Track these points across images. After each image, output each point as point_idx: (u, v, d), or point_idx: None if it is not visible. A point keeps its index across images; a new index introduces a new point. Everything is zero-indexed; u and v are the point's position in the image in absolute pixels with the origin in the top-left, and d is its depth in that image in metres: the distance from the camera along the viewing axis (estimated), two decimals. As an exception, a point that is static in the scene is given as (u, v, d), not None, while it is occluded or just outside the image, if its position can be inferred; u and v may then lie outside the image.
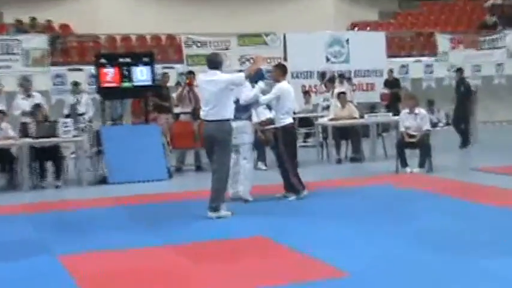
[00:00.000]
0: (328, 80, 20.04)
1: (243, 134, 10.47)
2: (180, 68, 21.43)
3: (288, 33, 22.50)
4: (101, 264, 6.94)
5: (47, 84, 20.59)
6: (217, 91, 9.21)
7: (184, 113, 15.65)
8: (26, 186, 13.00)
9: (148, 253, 7.37)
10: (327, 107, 17.79)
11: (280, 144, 10.61)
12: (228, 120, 9.30)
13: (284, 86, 10.74)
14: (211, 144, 9.30)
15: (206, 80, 9.42)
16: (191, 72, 16.56)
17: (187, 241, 7.85)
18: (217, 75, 9.32)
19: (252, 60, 19.09)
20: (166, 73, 17.18)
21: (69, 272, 6.63)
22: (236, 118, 9.73)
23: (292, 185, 10.64)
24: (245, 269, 6.57)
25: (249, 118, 10.68)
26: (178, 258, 7.15)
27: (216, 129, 9.20)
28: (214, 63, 9.46)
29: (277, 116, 10.69)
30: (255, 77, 10.39)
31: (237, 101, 9.88)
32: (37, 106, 14.17)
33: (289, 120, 10.65)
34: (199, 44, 22.07)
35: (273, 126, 10.91)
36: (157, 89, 15.44)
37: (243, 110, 10.37)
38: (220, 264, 6.78)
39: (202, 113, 9.46)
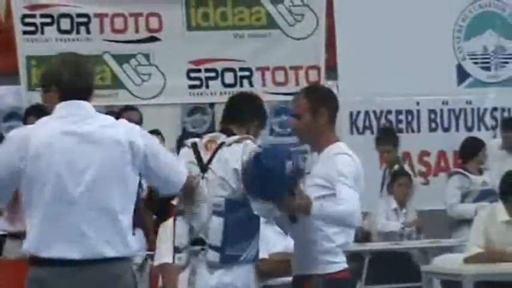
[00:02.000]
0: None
1: None
2: (10, 97, 8.77)
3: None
4: None
5: None
6: (100, 161, 3.32)
7: (16, 237, 5.66)
8: None
9: None
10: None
11: None
12: (127, 259, 3.42)
13: (345, 157, 3.97)
14: None
15: (64, 131, 3.34)
16: (39, 112, 5.28)
17: None
18: (95, 119, 3.41)
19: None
20: None
21: None
22: (224, 260, 3.98)
23: None
24: None
25: (255, 258, 4.13)
26: None
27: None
28: (81, 84, 3.43)
29: (301, 245, 3.95)
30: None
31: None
32: None
33: (340, 262, 3.95)
34: (66, 23, 8.42)
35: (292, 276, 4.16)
36: None
37: (240, 228, 4.05)
38: None
39: (28, 244, 3.34)
